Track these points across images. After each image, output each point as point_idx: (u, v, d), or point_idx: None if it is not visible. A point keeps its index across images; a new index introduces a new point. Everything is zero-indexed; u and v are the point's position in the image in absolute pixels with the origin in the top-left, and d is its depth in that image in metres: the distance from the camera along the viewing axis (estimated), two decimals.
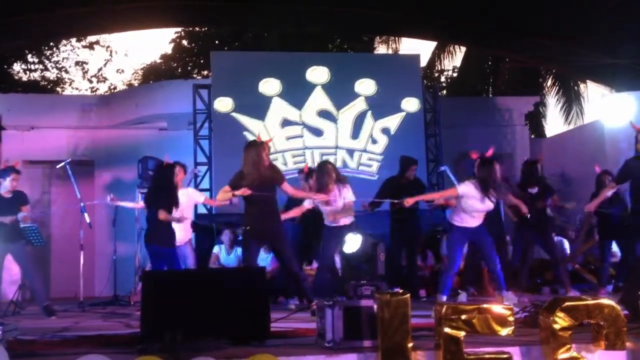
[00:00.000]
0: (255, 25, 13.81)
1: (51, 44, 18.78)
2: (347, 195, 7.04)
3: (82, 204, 8.36)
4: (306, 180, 7.71)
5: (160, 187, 6.48)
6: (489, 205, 6.44)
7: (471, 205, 6.40)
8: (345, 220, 7.06)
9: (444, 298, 6.38)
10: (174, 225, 6.55)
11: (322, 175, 6.96)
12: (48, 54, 19.62)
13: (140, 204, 7.94)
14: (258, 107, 10.57)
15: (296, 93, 10.73)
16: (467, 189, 6.41)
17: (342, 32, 16.94)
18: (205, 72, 17.31)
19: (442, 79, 19.83)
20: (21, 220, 7.26)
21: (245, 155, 6.28)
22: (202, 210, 10.00)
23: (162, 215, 6.26)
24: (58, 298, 9.23)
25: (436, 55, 17.49)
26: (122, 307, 7.85)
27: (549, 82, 17.01)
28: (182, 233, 7.08)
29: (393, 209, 7.91)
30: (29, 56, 19.18)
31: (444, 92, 18.48)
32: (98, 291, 10.48)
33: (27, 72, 19.60)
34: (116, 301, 8.63)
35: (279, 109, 10.64)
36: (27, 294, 8.42)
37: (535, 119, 16.52)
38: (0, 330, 3.76)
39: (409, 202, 6.78)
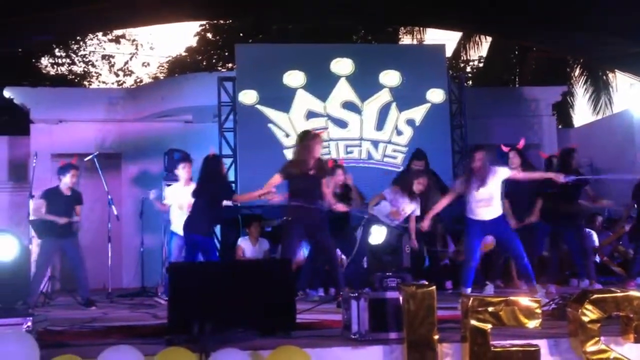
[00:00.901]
0: (277, 17, 13.78)
1: (78, 38, 18.97)
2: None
3: (109, 197, 8.46)
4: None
5: (211, 178, 6.59)
6: (485, 193, 6.30)
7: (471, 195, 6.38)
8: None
9: (468, 290, 6.32)
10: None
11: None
12: (75, 48, 19.84)
13: (166, 205, 8.00)
14: (282, 99, 10.58)
15: (320, 85, 10.71)
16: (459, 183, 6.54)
17: (366, 23, 16.84)
18: (230, 65, 17.33)
19: (468, 69, 19.65)
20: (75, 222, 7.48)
21: (299, 145, 6.37)
22: (227, 202, 10.05)
23: (237, 198, 6.84)
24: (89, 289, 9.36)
25: (462, 46, 17.34)
26: (149, 298, 7.94)
27: (577, 72, 16.77)
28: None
29: None
30: (57, 50, 19.41)
31: (470, 82, 18.31)
32: (126, 282, 10.62)
33: (55, 66, 19.86)
34: (144, 292, 8.72)
35: (304, 101, 10.64)
36: (57, 285, 8.56)
37: (562, 109, 16.29)
38: (30, 321, 3.83)
39: (424, 225, 6.91)
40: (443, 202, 6.78)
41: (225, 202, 9.72)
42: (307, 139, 6.34)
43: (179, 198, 7.63)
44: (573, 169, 7.57)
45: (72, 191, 7.46)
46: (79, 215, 7.52)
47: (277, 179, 6.30)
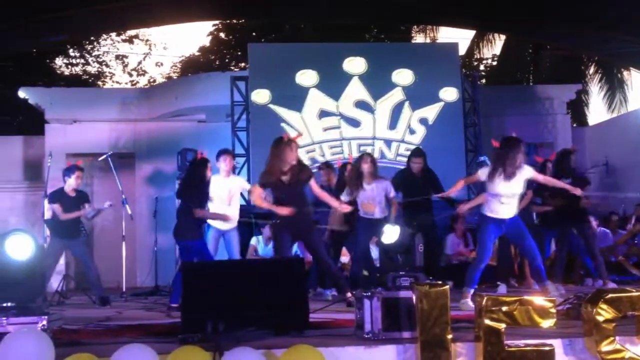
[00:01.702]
0: (290, 16, 13.79)
1: (92, 38, 19.08)
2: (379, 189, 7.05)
3: (123, 196, 8.50)
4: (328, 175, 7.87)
5: (191, 183, 6.51)
6: (510, 189, 5.96)
7: (493, 188, 5.99)
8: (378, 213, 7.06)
9: (471, 292, 5.92)
10: (226, 211, 6.73)
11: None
12: (89, 48, 19.95)
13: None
14: (295, 98, 10.59)
15: (333, 84, 10.71)
16: (485, 172, 6.06)
17: (379, 21, 16.80)
18: (243, 64, 17.38)
19: (481, 67, 19.56)
20: (89, 218, 7.52)
21: (271, 153, 6.21)
22: (240, 202, 10.08)
23: (198, 213, 6.32)
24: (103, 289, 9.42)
25: (475, 44, 17.26)
26: (163, 297, 7.97)
27: (592, 70, 16.64)
28: (232, 220, 7.18)
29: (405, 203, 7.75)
30: (71, 50, 19.53)
31: (483, 81, 18.22)
32: (140, 281, 10.67)
33: (69, 67, 19.98)
34: (157, 291, 8.76)
35: (316, 100, 10.64)
36: (72, 284, 8.63)
37: (577, 108, 16.18)
38: (45, 320, 3.85)
39: (462, 209, 6.71)
40: (459, 185, 6.51)
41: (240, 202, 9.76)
42: (277, 145, 6.18)
43: (218, 190, 7.49)
44: (569, 170, 7.52)
45: (76, 192, 7.51)
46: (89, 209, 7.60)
47: (258, 189, 6.24)
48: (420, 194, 7.66)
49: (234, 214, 7.26)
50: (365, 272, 7.46)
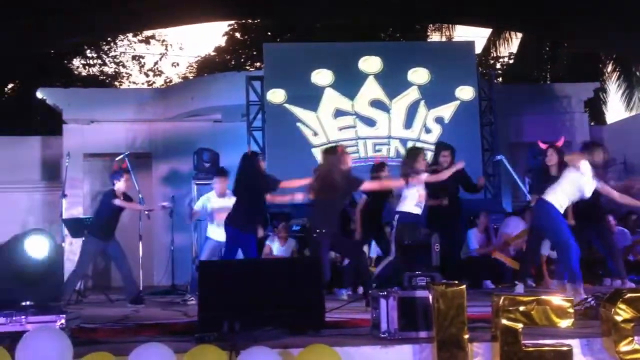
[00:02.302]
0: (304, 15, 13.78)
1: (109, 39, 19.22)
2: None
3: (140, 196, 8.56)
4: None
5: (243, 177, 6.71)
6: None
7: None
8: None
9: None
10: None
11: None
12: (106, 49, 20.09)
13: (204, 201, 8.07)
14: (310, 98, 10.59)
15: (348, 83, 10.70)
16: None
17: (395, 20, 16.74)
18: (258, 64, 17.41)
19: (498, 65, 19.45)
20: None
21: (323, 160, 6.50)
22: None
23: (274, 199, 6.80)
24: (119, 287, 9.46)
25: (491, 42, 17.17)
26: (180, 296, 8.01)
27: (609, 68, 16.51)
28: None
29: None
30: (88, 51, 19.68)
31: (500, 79, 18.12)
32: (157, 280, 10.73)
33: (87, 67, 20.13)
34: (174, 290, 8.80)
35: (332, 99, 10.63)
36: (90, 283, 8.69)
37: (595, 106, 16.04)
38: (64, 319, 3.88)
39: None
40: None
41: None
42: (330, 155, 6.45)
43: (217, 207, 7.73)
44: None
45: (124, 195, 7.54)
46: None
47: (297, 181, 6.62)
48: (449, 192, 7.59)
49: None
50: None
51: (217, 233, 7.57)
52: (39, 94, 12.00)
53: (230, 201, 7.27)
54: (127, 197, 7.61)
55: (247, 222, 6.63)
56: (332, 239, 6.38)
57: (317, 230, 6.29)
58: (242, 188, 6.69)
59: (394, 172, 7.83)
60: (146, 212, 8.72)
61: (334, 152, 6.50)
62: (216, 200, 7.78)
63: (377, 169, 7.66)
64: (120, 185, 7.43)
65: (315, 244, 6.37)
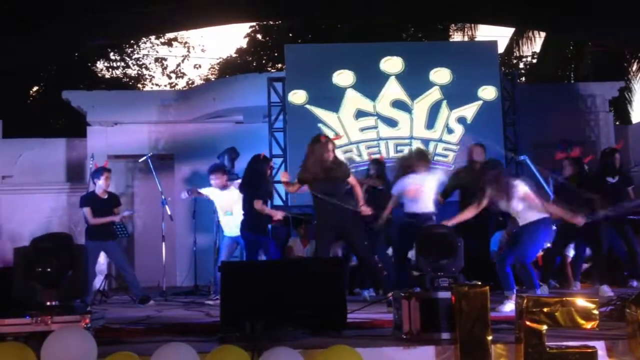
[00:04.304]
0: (325, 15, 13.77)
1: (132, 41, 19.40)
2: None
3: (163, 197, 8.62)
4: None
5: (250, 179, 6.69)
6: None
7: None
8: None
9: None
10: (229, 220, 6.99)
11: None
12: (129, 51, 20.29)
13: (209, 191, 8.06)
14: (332, 99, 10.58)
15: (370, 84, 10.67)
16: None
17: (417, 20, 16.68)
18: (280, 65, 17.45)
19: (521, 65, 19.29)
20: (122, 220, 7.66)
21: (308, 150, 6.34)
22: (277, 202, 10.13)
23: (257, 205, 6.53)
24: (142, 287, 9.56)
25: (514, 42, 17.02)
26: (202, 297, 8.05)
27: (635, 67, 16.27)
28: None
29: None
30: (112, 54, 19.90)
31: (523, 79, 17.97)
32: (179, 281, 10.80)
33: (110, 70, 20.34)
34: (197, 291, 8.85)
35: (353, 100, 10.62)
36: (114, 283, 8.76)
37: (620, 105, 15.84)
38: (88, 319, 3.92)
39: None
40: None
41: (277, 202, 9.87)
42: (314, 144, 6.33)
43: (219, 201, 7.75)
44: (613, 169, 7.35)
45: (108, 194, 7.62)
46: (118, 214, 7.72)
47: (295, 185, 6.45)
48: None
49: (237, 222, 7.33)
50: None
51: (228, 226, 7.56)
52: (64, 97, 12.13)
53: (233, 191, 7.29)
54: (111, 196, 7.66)
55: (260, 224, 6.63)
56: (338, 232, 6.26)
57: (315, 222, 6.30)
58: (248, 192, 6.74)
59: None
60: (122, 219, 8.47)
61: (317, 141, 6.36)
62: (220, 193, 7.76)
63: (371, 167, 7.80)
64: (100, 183, 7.53)
65: (317, 238, 6.35)
